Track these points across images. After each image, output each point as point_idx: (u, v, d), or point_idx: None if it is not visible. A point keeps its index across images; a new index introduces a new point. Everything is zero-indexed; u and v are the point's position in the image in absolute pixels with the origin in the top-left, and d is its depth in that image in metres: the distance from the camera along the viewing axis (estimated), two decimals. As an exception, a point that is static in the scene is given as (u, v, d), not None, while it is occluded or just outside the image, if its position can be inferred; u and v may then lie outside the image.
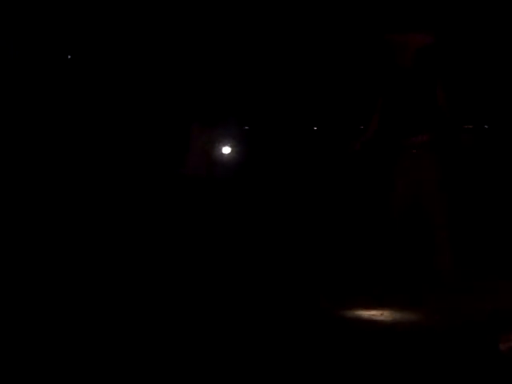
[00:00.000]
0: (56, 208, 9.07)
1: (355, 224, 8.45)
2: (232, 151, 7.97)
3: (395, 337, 4.73)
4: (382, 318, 5.25)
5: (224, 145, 7.94)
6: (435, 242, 6.19)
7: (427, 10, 8.49)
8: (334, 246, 7.98)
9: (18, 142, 9.76)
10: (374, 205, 6.68)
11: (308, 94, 9.55)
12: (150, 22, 9.67)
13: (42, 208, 9.03)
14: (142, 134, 9.78)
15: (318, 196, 9.40)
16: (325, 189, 9.34)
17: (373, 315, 5.32)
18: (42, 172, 9.61)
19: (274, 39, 9.38)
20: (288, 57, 9.40)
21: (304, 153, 9.66)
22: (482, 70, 8.73)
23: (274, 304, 5.63)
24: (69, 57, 9.87)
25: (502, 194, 8.63)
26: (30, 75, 9.87)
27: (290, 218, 9.13)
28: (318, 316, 5.29)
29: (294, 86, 9.48)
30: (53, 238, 8.11)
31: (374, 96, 6.53)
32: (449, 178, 6.33)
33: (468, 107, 7.61)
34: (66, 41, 9.96)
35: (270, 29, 9.33)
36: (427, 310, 5.43)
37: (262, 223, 8.95)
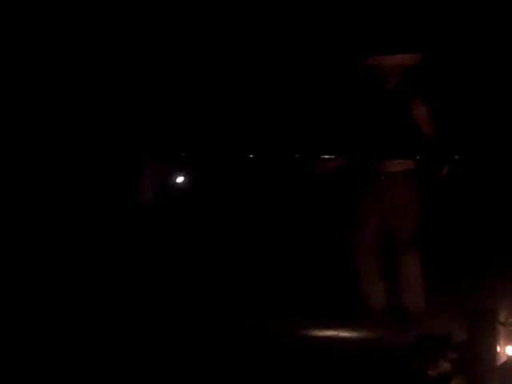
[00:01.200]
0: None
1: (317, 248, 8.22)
2: (185, 180, 7.72)
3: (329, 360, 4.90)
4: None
5: (177, 174, 7.71)
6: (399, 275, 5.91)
7: (412, 30, 8.14)
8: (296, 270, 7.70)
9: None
10: (339, 230, 6.27)
11: (279, 117, 9.22)
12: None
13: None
14: (94, 160, 9.46)
15: (282, 220, 9.10)
16: (289, 213, 9.04)
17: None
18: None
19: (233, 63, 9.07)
20: (256, 78, 9.08)
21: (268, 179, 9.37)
22: (472, 93, 8.35)
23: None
24: None
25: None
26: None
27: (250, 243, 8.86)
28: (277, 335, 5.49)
29: (262, 108, 9.17)
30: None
31: (352, 118, 6.11)
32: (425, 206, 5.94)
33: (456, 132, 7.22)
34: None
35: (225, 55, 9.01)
36: (362, 335, 5.57)
37: (217, 251, 8.67)
